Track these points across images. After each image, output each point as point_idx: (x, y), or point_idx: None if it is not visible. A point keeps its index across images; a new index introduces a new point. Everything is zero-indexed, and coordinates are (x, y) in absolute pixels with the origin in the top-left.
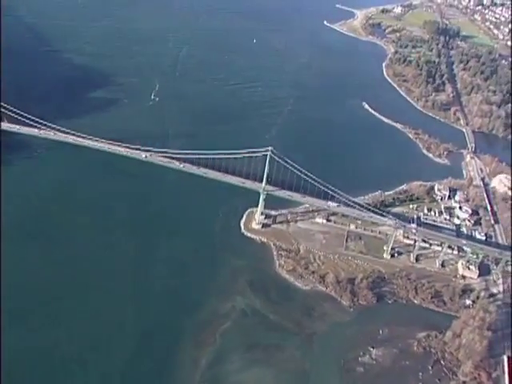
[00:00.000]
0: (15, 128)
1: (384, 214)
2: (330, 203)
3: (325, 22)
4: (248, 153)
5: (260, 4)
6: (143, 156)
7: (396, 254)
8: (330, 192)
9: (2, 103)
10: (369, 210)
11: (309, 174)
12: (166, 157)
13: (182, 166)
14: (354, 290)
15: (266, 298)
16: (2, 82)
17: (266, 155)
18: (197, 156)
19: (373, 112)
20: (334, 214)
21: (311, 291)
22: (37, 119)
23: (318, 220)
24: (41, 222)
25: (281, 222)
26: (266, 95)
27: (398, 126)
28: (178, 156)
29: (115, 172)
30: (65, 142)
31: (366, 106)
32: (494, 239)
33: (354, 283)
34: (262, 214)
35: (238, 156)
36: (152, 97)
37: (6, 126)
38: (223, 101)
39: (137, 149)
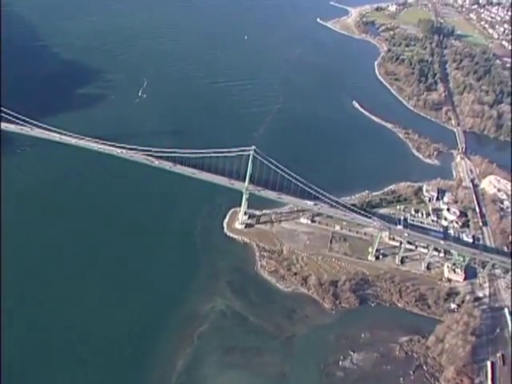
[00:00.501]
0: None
1: (368, 215)
2: (307, 202)
3: (318, 20)
4: (230, 152)
5: (253, 0)
6: (118, 152)
7: (381, 256)
8: (313, 192)
9: None
10: (352, 210)
11: (292, 173)
12: (148, 155)
13: (157, 163)
14: (337, 293)
15: (247, 300)
16: None
17: (249, 155)
18: (179, 154)
19: (363, 111)
20: (318, 214)
21: (293, 293)
22: (18, 115)
23: (303, 220)
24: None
25: (264, 223)
26: (256, 93)
27: (388, 125)
28: (160, 154)
29: (97, 170)
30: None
31: (357, 105)
32: (481, 242)
33: (337, 285)
34: (245, 213)
35: (220, 155)
36: (139, 94)
37: None
38: (212, 99)
39: (112, 145)
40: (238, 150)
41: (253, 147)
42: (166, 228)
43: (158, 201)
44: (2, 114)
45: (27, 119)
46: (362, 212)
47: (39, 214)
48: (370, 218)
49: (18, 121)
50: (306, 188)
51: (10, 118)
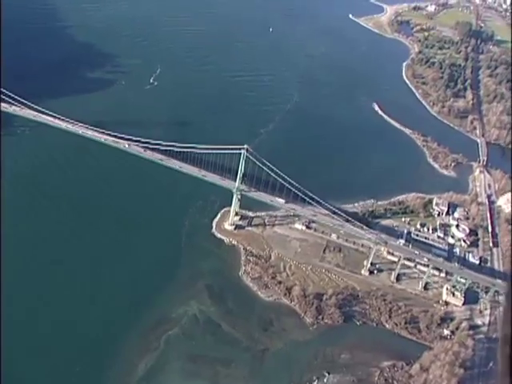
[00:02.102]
0: None
1: (364, 226)
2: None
3: (350, 16)
4: (222, 149)
5: None
6: (103, 139)
7: (376, 271)
8: (306, 198)
9: None
10: (347, 220)
11: (286, 177)
12: (143, 147)
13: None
14: (321, 307)
15: (223, 306)
16: None
17: (241, 153)
18: (174, 148)
19: (382, 114)
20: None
21: (274, 303)
22: (16, 97)
23: (298, 226)
24: None
25: (256, 225)
26: (271, 89)
27: (407, 130)
28: (152, 146)
29: (89, 158)
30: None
31: (376, 108)
32: (489, 264)
33: (322, 299)
34: (237, 214)
35: (212, 152)
36: (151, 81)
37: None
38: (225, 91)
39: (101, 132)
40: (230, 147)
41: (245, 146)
42: (151, 224)
43: (148, 195)
44: (3, 96)
45: (26, 101)
46: (357, 223)
47: (23, 198)
48: (365, 229)
49: (15, 102)
50: (300, 193)
51: (9, 99)
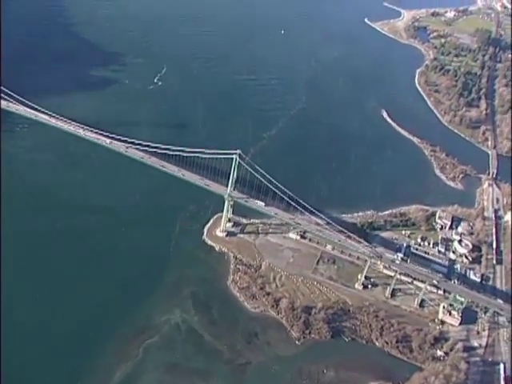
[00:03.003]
0: None
1: (360, 239)
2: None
3: (365, 20)
4: (215, 154)
5: None
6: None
7: (370, 286)
8: (299, 207)
9: None
10: (340, 231)
11: (279, 185)
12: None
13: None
14: (309, 321)
15: (207, 315)
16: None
17: (233, 159)
18: (159, 150)
19: (390, 121)
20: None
21: (260, 315)
22: (15, 94)
23: (292, 235)
24: None
25: (249, 233)
26: (277, 93)
27: (415, 139)
28: (143, 148)
29: (84, 158)
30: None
31: (385, 115)
32: (490, 282)
33: (311, 313)
34: (229, 220)
35: (204, 156)
36: (155, 81)
37: None
38: (229, 94)
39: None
40: (222, 152)
41: (238, 151)
42: (141, 226)
43: (142, 197)
44: (2, 94)
45: (24, 98)
46: (351, 234)
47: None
48: (361, 242)
49: (12, 100)
50: (292, 202)
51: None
